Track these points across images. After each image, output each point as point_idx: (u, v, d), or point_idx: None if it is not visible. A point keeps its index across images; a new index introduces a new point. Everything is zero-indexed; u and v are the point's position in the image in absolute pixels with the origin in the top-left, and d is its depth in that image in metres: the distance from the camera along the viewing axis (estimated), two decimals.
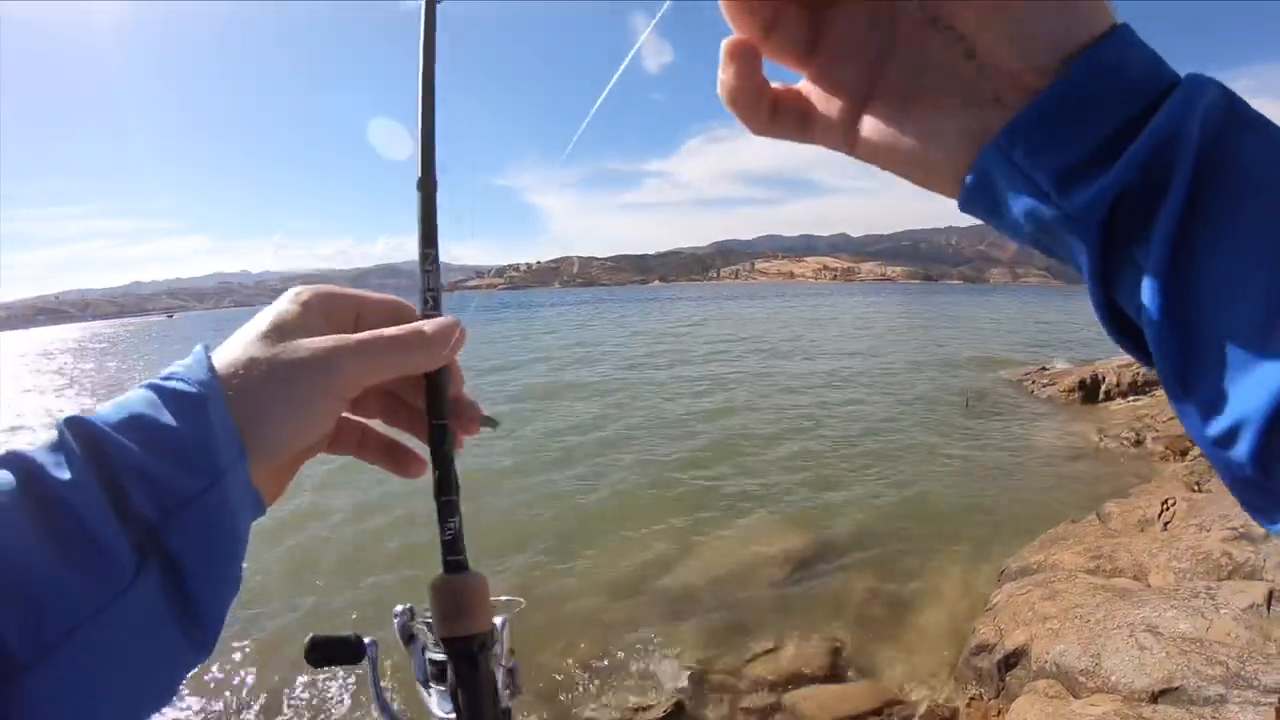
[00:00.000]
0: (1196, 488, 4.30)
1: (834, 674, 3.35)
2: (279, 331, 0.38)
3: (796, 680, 3.30)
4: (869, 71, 0.30)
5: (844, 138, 0.32)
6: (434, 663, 0.50)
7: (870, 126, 0.31)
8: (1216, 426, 0.24)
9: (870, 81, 0.30)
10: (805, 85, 0.32)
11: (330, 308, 0.41)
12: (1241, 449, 0.23)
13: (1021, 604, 3.30)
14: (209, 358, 0.36)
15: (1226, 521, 3.47)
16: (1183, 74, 0.26)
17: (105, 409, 0.33)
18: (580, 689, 3.32)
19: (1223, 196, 0.24)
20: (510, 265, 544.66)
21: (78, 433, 0.31)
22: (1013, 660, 2.98)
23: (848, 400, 9.35)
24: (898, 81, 0.30)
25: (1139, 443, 6.05)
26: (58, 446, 0.30)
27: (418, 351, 0.40)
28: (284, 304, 0.40)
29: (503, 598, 0.65)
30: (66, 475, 0.29)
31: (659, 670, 3.43)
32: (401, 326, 0.40)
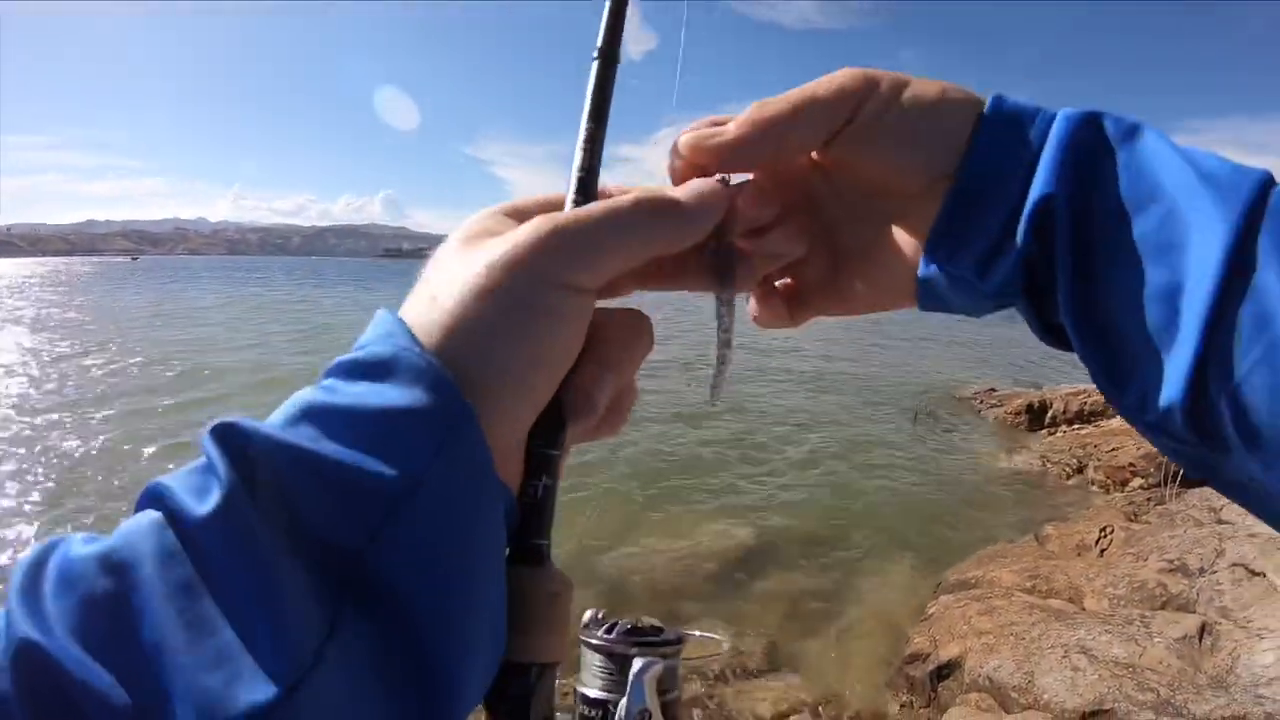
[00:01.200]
0: (1134, 518, 4.39)
1: (768, 669, 3.30)
2: (476, 235, 0.30)
3: (730, 674, 3.24)
4: (830, 250, 0.37)
5: (843, 306, 0.38)
6: None
7: (858, 287, 0.37)
8: (1151, 415, 0.28)
9: (836, 258, 0.37)
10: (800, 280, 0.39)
11: (544, 201, 0.34)
12: (1176, 426, 0.27)
13: (957, 617, 3.30)
14: (391, 311, 0.28)
15: (1163, 553, 3.52)
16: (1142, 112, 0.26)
17: (275, 414, 0.25)
18: None
19: (1099, 237, 0.30)
20: None
21: (230, 443, 0.23)
22: (945, 671, 2.97)
23: (797, 406, 9.38)
24: (854, 244, 0.37)
25: (1080, 470, 6.18)
26: (203, 469, 0.23)
27: (673, 216, 0.31)
28: (468, 222, 0.32)
29: (695, 633, 0.51)
30: (207, 508, 0.22)
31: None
32: (640, 191, 0.32)
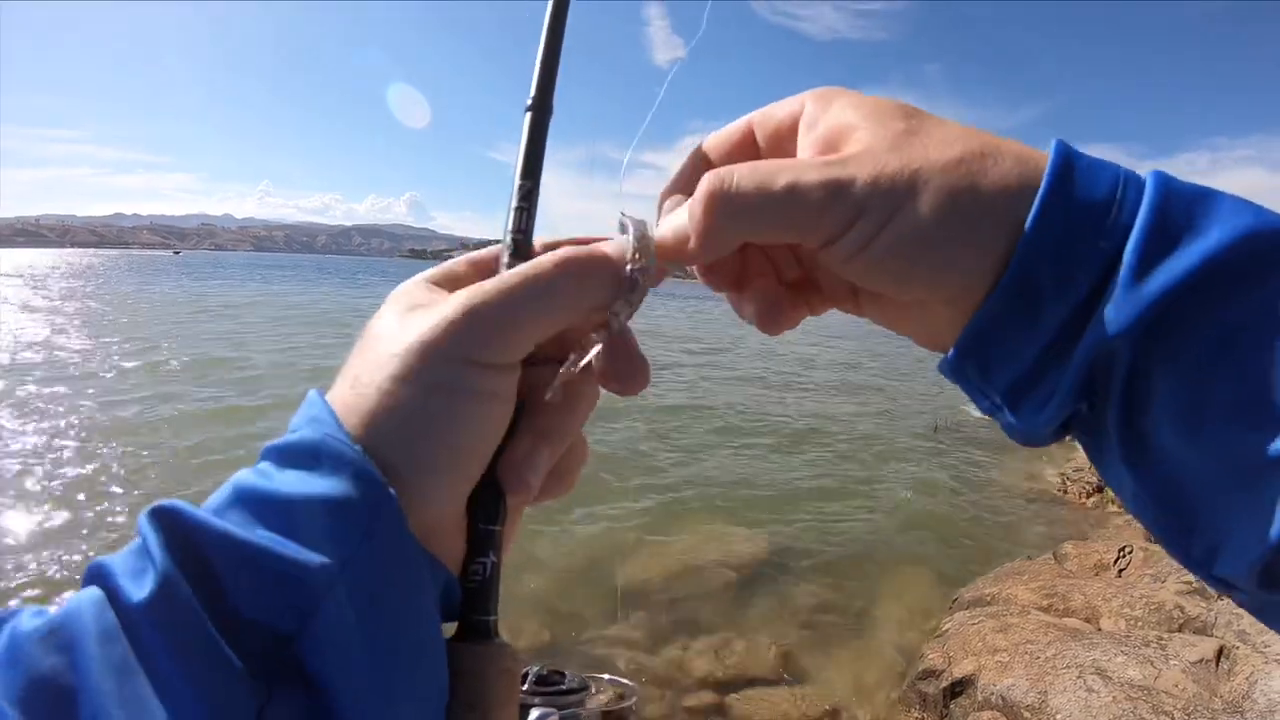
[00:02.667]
0: (1154, 539, 4.34)
1: (779, 678, 3.31)
2: (402, 309, 0.29)
3: (741, 682, 3.25)
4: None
5: (851, 306, 0.34)
6: None
7: (868, 302, 0.33)
8: (1222, 570, 0.25)
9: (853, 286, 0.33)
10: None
11: (446, 285, 0.31)
12: (1246, 581, 0.24)
13: (972, 634, 3.29)
14: (320, 395, 0.28)
15: (1182, 575, 3.49)
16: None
17: (212, 496, 0.26)
18: (520, 675, 3.25)
19: (1174, 392, 0.24)
20: (496, 240, 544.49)
21: (165, 528, 0.24)
22: (958, 689, 2.97)
23: (816, 413, 9.36)
24: (868, 292, 0.32)
25: (1100, 489, 6.11)
26: (140, 551, 0.24)
27: (596, 276, 0.29)
28: (389, 301, 0.31)
29: (604, 677, 0.50)
30: (144, 593, 0.23)
31: (603, 662, 3.36)
32: (563, 251, 0.30)
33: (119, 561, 0.24)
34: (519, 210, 0.32)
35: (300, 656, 0.23)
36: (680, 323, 25.57)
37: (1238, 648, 2.72)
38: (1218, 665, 2.66)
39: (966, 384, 0.29)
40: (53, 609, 0.24)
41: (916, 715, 3.05)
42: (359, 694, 0.23)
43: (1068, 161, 0.26)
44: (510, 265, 0.31)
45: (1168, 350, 0.24)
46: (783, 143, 0.33)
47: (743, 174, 0.29)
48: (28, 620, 0.23)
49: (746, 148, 0.34)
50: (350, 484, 0.24)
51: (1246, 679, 2.53)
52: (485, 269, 0.33)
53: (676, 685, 3.23)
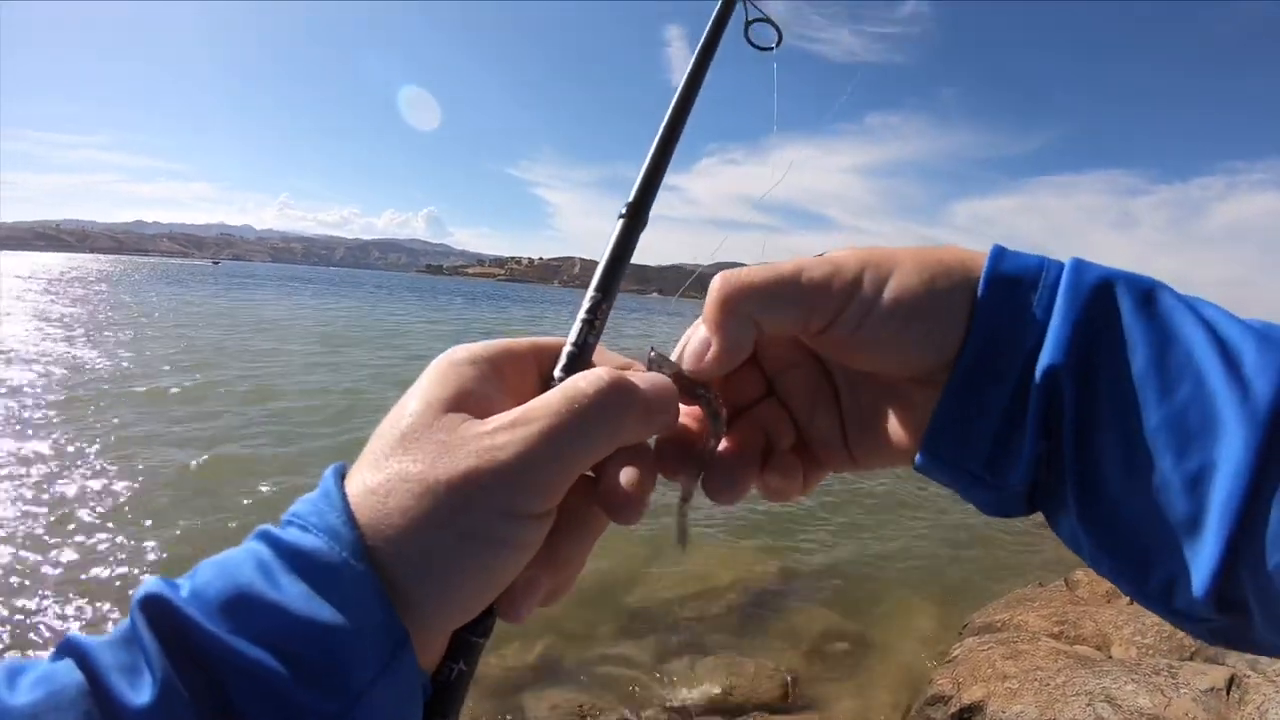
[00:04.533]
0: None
1: (785, 705, 3.29)
2: (431, 418, 0.28)
3: (747, 707, 3.24)
4: (836, 415, 0.36)
5: (854, 465, 0.37)
6: None
7: (858, 450, 0.36)
8: (1180, 604, 0.27)
9: (839, 422, 0.36)
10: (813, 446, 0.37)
11: (503, 365, 0.31)
12: (1204, 610, 0.26)
13: (982, 660, 3.27)
14: (343, 492, 0.27)
15: None
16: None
17: (202, 574, 0.24)
18: (530, 692, 3.24)
19: (1114, 421, 0.28)
20: (513, 258, 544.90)
21: (161, 624, 0.23)
22: (967, 715, 2.94)
23: None
24: (855, 411, 0.35)
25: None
26: (130, 641, 0.23)
27: (632, 417, 0.30)
28: (436, 372, 0.30)
29: None
30: (144, 698, 0.22)
31: (610, 682, 3.36)
32: (597, 380, 0.29)
33: (104, 652, 0.23)
34: (584, 323, 0.32)
35: None
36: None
37: (1249, 676, 2.69)
38: (1229, 694, 2.63)
39: (941, 462, 0.32)
40: (28, 661, 0.23)
41: None
42: None
43: (1000, 250, 0.32)
44: (560, 379, 0.31)
45: (1101, 383, 0.28)
46: None
47: (753, 269, 0.32)
48: (3, 691, 0.22)
49: None
50: (367, 621, 0.24)
51: (1257, 708, 2.51)
52: (546, 357, 0.33)
53: (683, 710, 3.22)
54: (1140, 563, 0.28)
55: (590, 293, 0.33)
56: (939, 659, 3.58)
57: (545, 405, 0.28)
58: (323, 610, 0.23)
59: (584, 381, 0.29)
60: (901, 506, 6.40)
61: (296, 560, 0.24)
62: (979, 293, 0.30)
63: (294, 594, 0.23)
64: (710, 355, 0.32)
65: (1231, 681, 2.67)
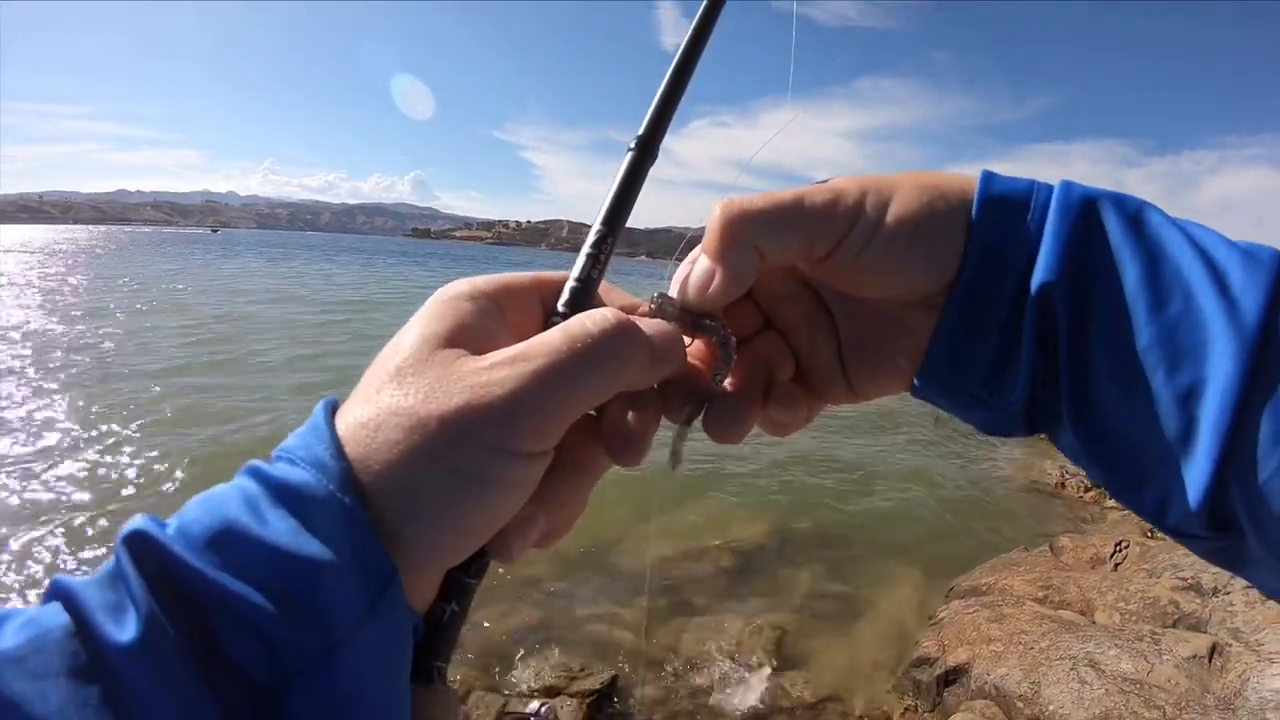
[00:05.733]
0: (1150, 534, 4.36)
1: (774, 665, 3.34)
2: (427, 353, 0.27)
3: (736, 665, 3.29)
4: (833, 338, 0.36)
5: (852, 396, 0.36)
6: None
7: (857, 379, 0.36)
8: (1173, 519, 0.28)
9: (838, 352, 0.36)
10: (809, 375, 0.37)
11: (504, 300, 0.30)
12: (1198, 527, 0.27)
13: (967, 623, 3.32)
14: (332, 426, 0.26)
15: (1177, 571, 3.51)
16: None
17: (189, 511, 0.24)
18: (517, 655, 3.27)
19: (1106, 336, 0.28)
20: (500, 221, 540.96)
21: (146, 561, 0.22)
22: (952, 677, 3.00)
23: None
24: (853, 339, 0.35)
25: (1099, 484, 6.14)
26: (115, 579, 0.22)
27: (636, 362, 0.29)
28: (434, 306, 0.29)
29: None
30: (129, 635, 0.21)
31: (598, 642, 3.39)
32: (603, 321, 0.28)
33: (90, 591, 0.22)
34: (590, 257, 0.32)
35: (286, 711, 0.22)
36: None
37: (1231, 645, 2.74)
38: (1210, 662, 2.68)
39: (941, 387, 0.32)
40: (17, 609, 0.23)
41: (910, 703, 3.08)
42: None
43: (991, 173, 0.32)
44: (563, 314, 0.31)
45: (1094, 295, 0.28)
46: None
47: (752, 196, 0.31)
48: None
49: None
50: (354, 557, 0.23)
51: (1239, 676, 2.55)
52: (550, 292, 0.32)
53: (670, 668, 3.26)
54: (1135, 479, 0.29)
55: (596, 226, 0.32)
56: (925, 621, 3.63)
57: (545, 343, 0.27)
58: (309, 545, 0.23)
59: (589, 321, 0.28)
60: (890, 470, 6.46)
61: (283, 494, 0.24)
62: (973, 214, 0.31)
63: (280, 529, 0.23)
64: (715, 285, 0.31)
65: (1214, 649, 2.72)
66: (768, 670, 3.27)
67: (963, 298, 0.30)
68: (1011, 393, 0.30)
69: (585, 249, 0.32)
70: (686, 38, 0.36)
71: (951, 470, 6.66)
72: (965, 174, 0.32)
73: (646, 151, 0.34)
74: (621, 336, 0.28)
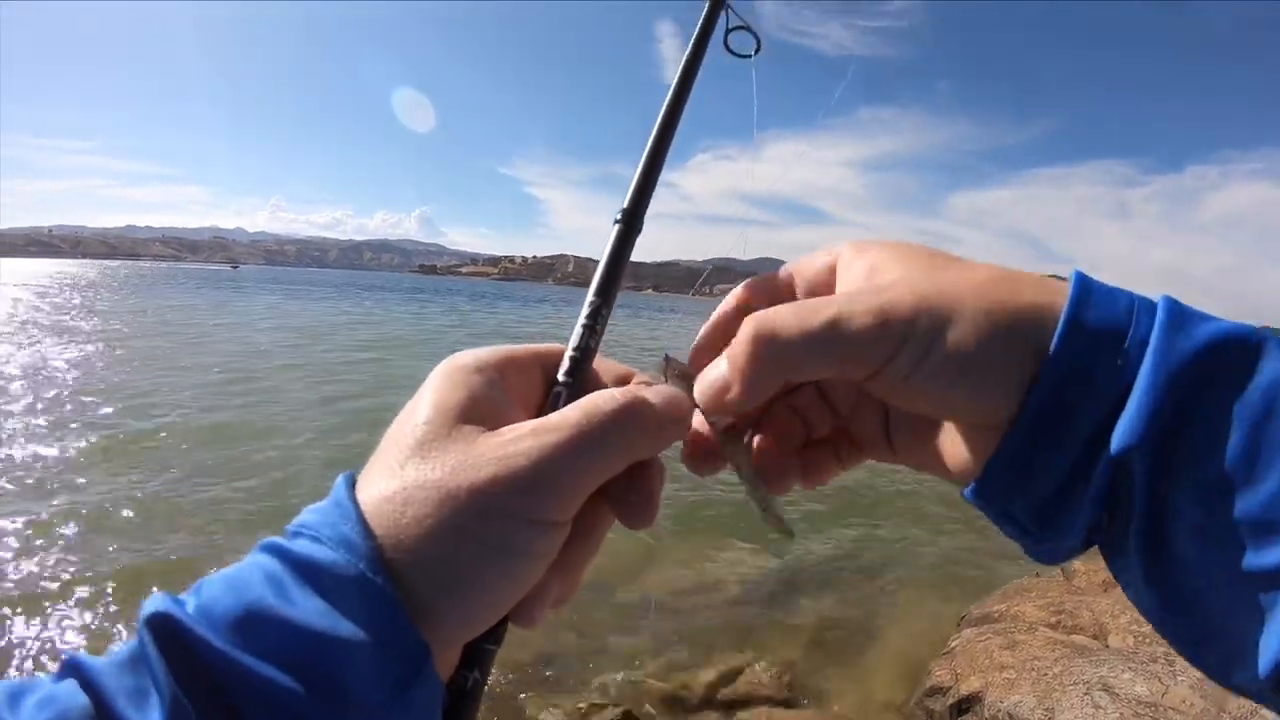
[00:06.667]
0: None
1: (785, 697, 3.31)
2: (447, 427, 0.27)
3: (747, 700, 3.25)
4: (881, 418, 0.35)
5: (890, 456, 0.36)
6: None
7: (901, 448, 0.35)
8: (1239, 679, 0.26)
9: (884, 424, 0.35)
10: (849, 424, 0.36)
11: (507, 372, 0.31)
12: (1263, 688, 0.25)
13: (979, 651, 3.28)
14: (355, 502, 0.26)
15: None
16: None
17: (211, 588, 0.23)
18: (528, 688, 3.25)
19: (1190, 510, 0.25)
20: (506, 257, 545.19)
21: (169, 645, 0.22)
22: (965, 705, 2.96)
23: None
24: (902, 423, 0.34)
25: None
26: (137, 662, 0.22)
27: (648, 434, 0.29)
28: (444, 378, 0.29)
29: None
30: None
31: (609, 677, 3.37)
32: (614, 400, 0.29)
33: (110, 675, 0.22)
34: (585, 329, 0.32)
35: None
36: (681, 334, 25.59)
37: None
38: None
39: (991, 508, 0.29)
40: (29, 681, 0.23)
41: None
42: None
43: (1085, 287, 0.28)
44: (566, 384, 0.31)
45: (1183, 459, 0.25)
46: (820, 289, 0.34)
47: (784, 314, 0.29)
48: (11, 711, 0.22)
49: (785, 294, 0.35)
50: (387, 639, 0.23)
51: None
52: (549, 363, 0.32)
53: (682, 704, 3.23)
54: (1202, 634, 0.27)
55: (590, 298, 0.33)
56: (937, 649, 3.59)
57: (564, 418, 0.28)
58: (341, 625, 0.22)
59: (601, 399, 0.29)
60: (900, 499, 6.42)
61: (309, 574, 0.23)
62: (1051, 347, 0.26)
63: (309, 609, 0.23)
64: (730, 398, 0.31)
65: None
66: (780, 707, 3.24)
67: (1023, 437, 0.27)
68: (1065, 536, 0.28)
69: (581, 320, 0.33)
70: (660, 116, 0.37)
71: (960, 495, 6.58)
72: (1052, 284, 0.28)
73: (631, 224, 0.34)
74: (631, 411, 0.29)
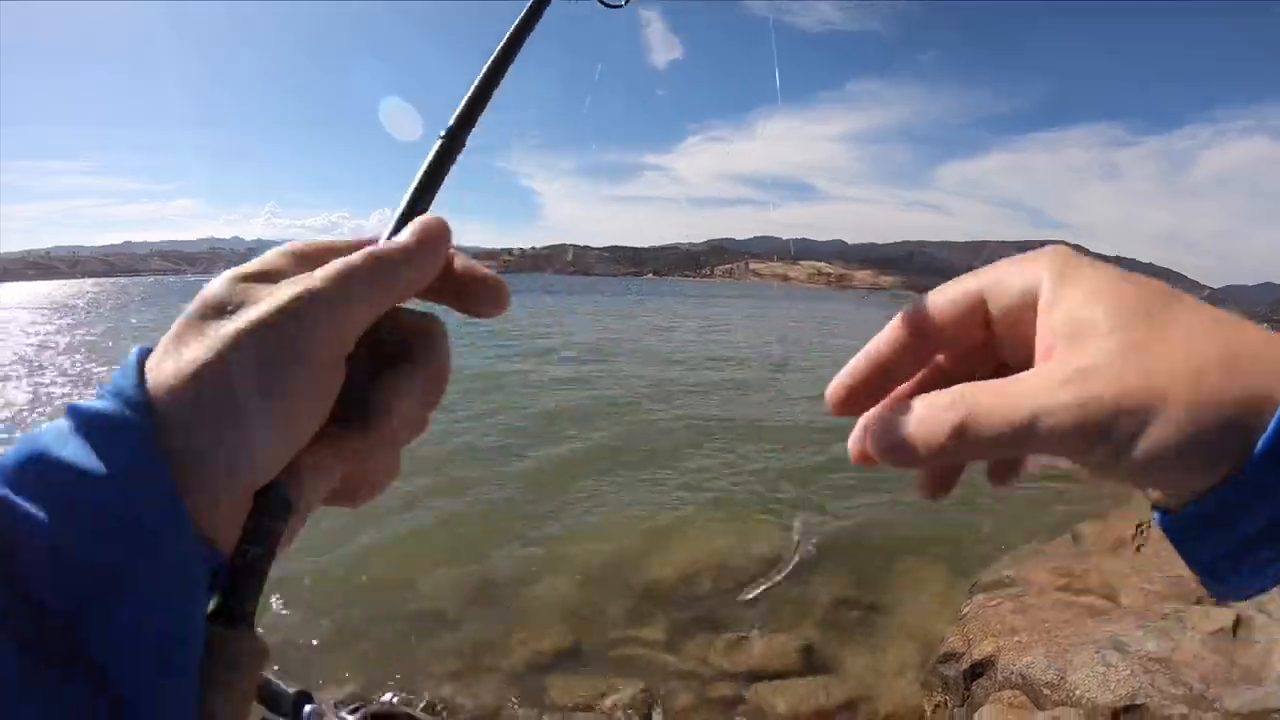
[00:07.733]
0: None
1: (801, 669, 3.36)
2: (231, 287, 0.28)
3: (764, 674, 3.31)
4: None
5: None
6: None
7: None
8: None
9: None
10: None
11: (314, 258, 0.31)
12: None
13: (991, 616, 3.32)
14: (139, 359, 0.27)
15: None
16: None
17: (14, 448, 0.25)
18: (547, 674, 3.31)
19: None
20: (505, 249, 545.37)
21: None
22: (979, 670, 3.00)
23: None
24: None
25: None
26: None
27: (408, 265, 0.31)
28: (222, 280, 0.30)
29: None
30: None
31: (627, 659, 3.42)
32: (371, 250, 0.31)
33: None
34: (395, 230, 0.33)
35: (80, 641, 0.22)
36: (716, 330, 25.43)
37: (1255, 617, 2.74)
38: (1235, 635, 2.68)
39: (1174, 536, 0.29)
40: None
41: (939, 698, 3.09)
42: (141, 682, 0.23)
43: None
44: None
45: None
46: (1019, 324, 0.32)
47: (987, 403, 0.28)
48: None
49: (977, 319, 0.33)
50: (137, 474, 0.24)
51: (1264, 647, 2.55)
52: (313, 261, 0.32)
53: (700, 678, 3.28)
54: None
55: (402, 206, 0.34)
56: (950, 616, 3.63)
57: (325, 268, 0.29)
58: (88, 459, 0.23)
59: (355, 254, 0.30)
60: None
61: (83, 420, 0.25)
62: (1259, 445, 0.24)
63: (73, 449, 0.24)
64: (904, 462, 0.31)
65: (1238, 622, 2.72)
66: (795, 677, 3.29)
67: (1209, 513, 0.26)
68: (1241, 590, 0.27)
69: (392, 222, 0.33)
70: (495, 51, 0.37)
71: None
72: (1274, 345, 0.26)
73: (454, 142, 0.35)
74: (378, 255, 0.30)
